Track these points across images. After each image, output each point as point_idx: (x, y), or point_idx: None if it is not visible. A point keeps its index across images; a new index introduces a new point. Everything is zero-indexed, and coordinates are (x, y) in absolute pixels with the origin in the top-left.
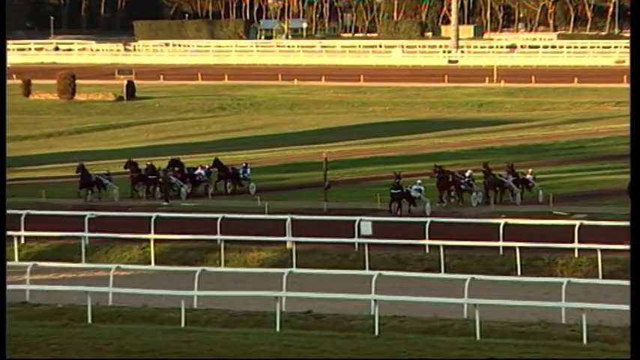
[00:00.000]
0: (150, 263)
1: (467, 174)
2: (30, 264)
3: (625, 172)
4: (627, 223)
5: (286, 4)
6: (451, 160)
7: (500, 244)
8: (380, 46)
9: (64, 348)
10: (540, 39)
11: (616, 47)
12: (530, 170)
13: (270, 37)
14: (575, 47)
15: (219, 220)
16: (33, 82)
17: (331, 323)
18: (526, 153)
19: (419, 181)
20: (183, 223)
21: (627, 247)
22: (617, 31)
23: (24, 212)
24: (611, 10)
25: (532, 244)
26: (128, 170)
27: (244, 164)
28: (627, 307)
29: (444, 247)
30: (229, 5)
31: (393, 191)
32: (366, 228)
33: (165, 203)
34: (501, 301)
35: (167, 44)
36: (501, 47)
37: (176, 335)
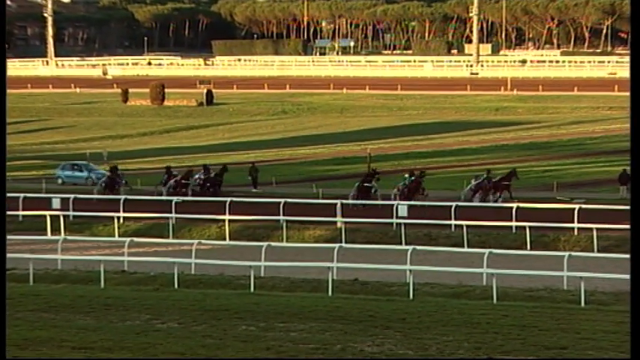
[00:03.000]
0: (225, 239)
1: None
2: (127, 239)
3: (616, 164)
4: (618, 207)
5: (337, 27)
6: (473, 154)
7: (513, 224)
8: (414, 61)
9: (155, 307)
10: (546, 55)
11: (609, 62)
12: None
13: (324, 54)
14: (576, 62)
15: (282, 204)
16: (130, 90)
17: (374, 289)
18: (534, 149)
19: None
20: (253, 206)
21: (619, 226)
22: (609, 48)
23: (122, 197)
24: (604, 31)
25: (539, 224)
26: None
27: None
28: (618, 276)
29: (467, 226)
30: (290, 27)
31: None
32: (403, 210)
33: (254, 190)
34: (514, 271)
35: (239, 59)
36: (514, 62)
37: (247, 298)
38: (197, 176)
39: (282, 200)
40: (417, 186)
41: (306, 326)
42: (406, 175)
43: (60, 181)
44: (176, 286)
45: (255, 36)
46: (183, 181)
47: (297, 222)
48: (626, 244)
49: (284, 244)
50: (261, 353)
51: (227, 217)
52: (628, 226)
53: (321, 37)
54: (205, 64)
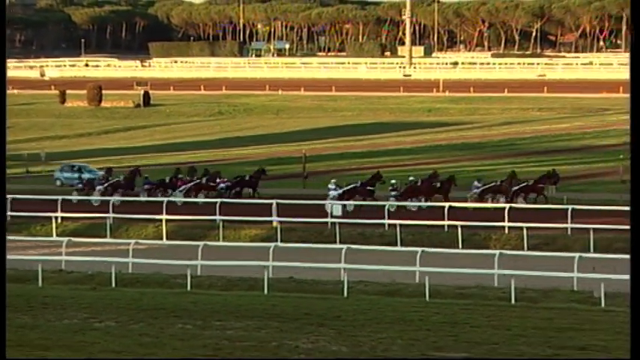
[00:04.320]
0: (162, 239)
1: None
2: (65, 239)
3: (546, 164)
4: (548, 206)
5: (272, 29)
6: (407, 154)
7: (445, 222)
8: (348, 63)
9: (92, 306)
10: (477, 57)
11: (538, 64)
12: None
13: (259, 56)
14: (506, 64)
15: (218, 204)
16: (67, 92)
17: (309, 287)
18: (467, 149)
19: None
20: (189, 207)
21: (548, 225)
22: (539, 50)
23: (60, 197)
24: (534, 34)
25: (471, 223)
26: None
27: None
28: (548, 273)
29: (401, 225)
30: (226, 30)
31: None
32: (337, 210)
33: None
34: (446, 269)
35: (176, 61)
36: (446, 64)
37: (184, 297)
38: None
39: (218, 200)
40: (428, 186)
41: (243, 324)
42: (411, 178)
43: (59, 182)
44: (113, 285)
45: (192, 38)
46: (210, 184)
47: (233, 222)
48: (555, 242)
49: (220, 243)
50: (197, 351)
51: (164, 217)
52: (556, 225)
53: (256, 40)
54: (142, 66)
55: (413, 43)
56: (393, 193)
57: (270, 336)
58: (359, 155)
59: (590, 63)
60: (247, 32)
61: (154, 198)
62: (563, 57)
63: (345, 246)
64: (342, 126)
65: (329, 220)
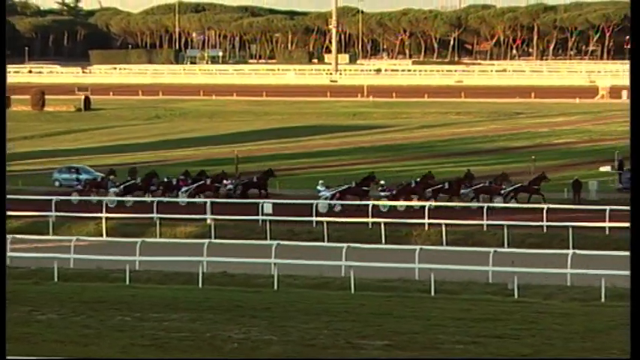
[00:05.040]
0: (102, 236)
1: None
2: (9, 237)
3: (463, 165)
4: (464, 204)
5: (206, 38)
6: (334, 156)
7: (369, 220)
8: (278, 70)
9: (35, 300)
10: (399, 64)
11: (456, 71)
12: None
13: (194, 63)
14: (426, 71)
15: (155, 203)
16: (11, 97)
17: (241, 281)
18: (389, 151)
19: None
20: (128, 207)
21: (465, 221)
22: (456, 58)
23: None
24: (452, 42)
25: (393, 220)
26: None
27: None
28: (465, 267)
29: (327, 222)
30: (163, 38)
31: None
32: (268, 208)
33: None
34: (370, 263)
35: (115, 68)
36: (370, 70)
37: (123, 290)
38: (229, 181)
39: (156, 199)
40: (423, 187)
41: (179, 316)
42: (417, 179)
43: (57, 183)
44: (56, 279)
45: (130, 46)
46: (215, 185)
47: (170, 219)
48: (472, 238)
49: (157, 239)
50: (136, 341)
51: (104, 214)
52: (473, 222)
53: (191, 48)
54: (83, 72)
55: (339, 51)
56: (383, 193)
57: (204, 327)
58: (289, 156)
59: (504, 70)
60: (183, 41)
61: (158, 198)
62: (479, 64)
63: (275, 242)
64: (273, 129)
65: (260, 217)
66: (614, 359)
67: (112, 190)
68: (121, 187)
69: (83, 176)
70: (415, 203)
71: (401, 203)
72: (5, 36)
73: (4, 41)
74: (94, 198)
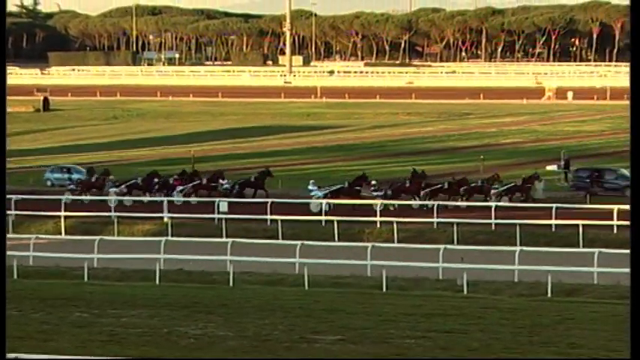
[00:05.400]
0: (61, 234)
1: None
2: None
3: (413, 164)
4: (414, 202)
5: (163, 40)
6: (288, 155)
7: (323, 218)
8: (233, 71)
9: None
10: (352, 66)
11: (407, 72)
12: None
13: (151, 65)
14: (377, 72)
15: (112, 202)
16: None
17: (198, 278)
18: (342, 150)
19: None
20: (87, 204)
21: (416, 219)
22: (407, 60)
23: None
24: (402, 45)
25: (346, 218)
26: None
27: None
28: (416, 264)
29: (282, 220)
30: (120, 40)
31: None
32: (224, 206)
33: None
34: (324, 260)
35: (74, 69)
36: (323, 72)
37: (81, 287)
38: (225, 181)
39: (113, 198)
40: (417, 186)
41: (136, 312)
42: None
43: (49, 183)
44: (15, 277)
45: (88, 48)
46: (211, 184)
47: (128, 218)
48: (423, 235)
49: (115, 237)
50: (94, 337)
51: (62, 213)
52: (424, 219)
53: (148, 50)
54: (42, 74)
55: (292, 53)
56: (376, 193)
57: (161, 323)
58: (243, 156)
59: (454, 72)
60: (140, 43)
61: (156, 198)
62: (430, 66)
63: (230, 240)
64: (228, 129)
65: (215, 216)
66: (615, 359)
67: (113, 190)
68: (123, 186)
69: (75, 176)
70: (422, 202)
71: (398, 202)
72: (5, 36)
73: (3, 41)
74: (105, 197)
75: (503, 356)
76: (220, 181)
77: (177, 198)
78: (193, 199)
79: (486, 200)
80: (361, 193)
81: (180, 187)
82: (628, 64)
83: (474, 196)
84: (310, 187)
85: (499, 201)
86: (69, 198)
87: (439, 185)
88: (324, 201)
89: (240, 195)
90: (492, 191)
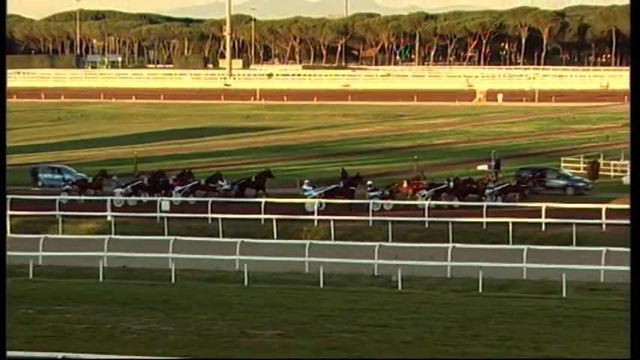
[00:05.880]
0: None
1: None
2: None
3: (350, 164)
4: (350, 201)
5: (106, 44)
6: (229, 156)
7: (262, 216)
8: (175, 74)
9: None
10: (290, 69)
11: (343, 75)
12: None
13: (95, 68)
14: (315, 75)
15: (57, 201)
16: None
17: (140, 274)
18: (281, 151)
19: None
20: (33, 203)
21: (354, 217)
22: (344, 63)
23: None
24: (339, 49)
25: (285, 216)
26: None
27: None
28: (352, 260)
29: (222, 219)
30: (64, 44)
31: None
32: (165, 205)
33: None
34: (263, 257)
35: (19, 72)
36: (262, 75)
37: (26, 285)
38: (224, 181)
39: (58, 197)
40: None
41: (80, 308)
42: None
43: (40, 183)
44: None
45: (33, 51)
46: (209, 185)
47: (72, 216)
48: (359, 233)
49: (60, 236)
50: (39, 333)
51: (8, 212)
52: (360, 218)
53: (92, 53)
54: None
55: (232, 56)
56: (373, 193)
57: (105, 319)
58: (186, 157)
59: (388, 75)
60: (84, 46)
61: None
62: (365, 69)
63: (172, 237)
64: (170, 130)
65: (158, 214)
66: (614, 359)
67: (118, 190)
68: (129, 187)
69: (65, 176)
70: (423, 202)
71: (389, 202)
72: (5, 36)
73: (4, 41)
74: (103, 197)
75: (437, 349)
76: (219, 182)
77: (176, 198)
78: (191, 198)
79: (481, 200)
80: (362, 192)
81: (179, 187)
82: (555, 67)
83: (468, 196)
84: (305, 187)
85: (495, 200)
86: (64, 198)
87: (444, 185)
88: (315, 200)
89: (239, 195)
90: (487, 191)
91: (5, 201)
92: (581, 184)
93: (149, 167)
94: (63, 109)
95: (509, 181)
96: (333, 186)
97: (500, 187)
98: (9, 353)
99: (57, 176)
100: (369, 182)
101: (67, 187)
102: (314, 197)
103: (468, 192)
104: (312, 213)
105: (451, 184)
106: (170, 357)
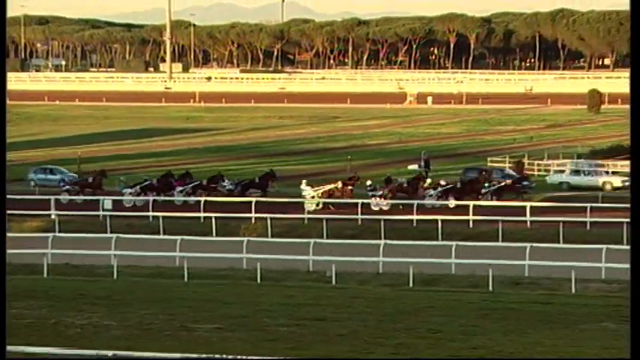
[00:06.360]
0: None
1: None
2: None
3: (286, 163)
4: (283, 199)
5: (50, 48)
6: (168, 156)
7: (202, 214)
8: (117, 78)
9: None
10: (228, 73)
11: (279, 78)
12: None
13: (39, 71)
14: (252, 79)
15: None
16: None
17: (84, 271)
18: (219, 151)
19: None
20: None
21: (289, 215)
22: (280, 67)
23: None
24: (275, 53)
25: (223, 214)
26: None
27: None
28: (288, 257)
29: (163, 217)
30: (9, 48)
31: None
32: (108, 204)
33: None
34: (202, 254)
35: None
36: (201, 78)
37: None
38: (227, 182)
39: (59, 197)
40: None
41: (25, 304)
42: (402, 179)
43: (32, 183)
44: None
45: None
46: (211, 185)
47: (17, 215)
48: (295, 231)
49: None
50: None
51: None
52: (296, 215)
53: (36, 57)
54: None
55: (172, 60)
56: (372, 193)
57: (49, 314)
58: (128, 157)
59: (323, 78)
60: (28, 50)
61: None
62: (301, 73)
63: (114, 235)
64: (112, 132)
65: (100, 212)
66: (614, 359)
67: (127, 190)
68: (137, 187)
69: (58, 176)
70: (433, 202)
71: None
72: (5, 36)
73: (4, 41)
74: (101, 197)
75: (370, 341)
76: (222, 182)
77: (178, 198)
78: (192, 198)
79: (478, 199)
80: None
81: (181, 188)
82: (482, 71)
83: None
84: (303, 187)
85: (491, 200)
86: (66, 198)
87: (450, 185)
88: (314, 200)
89: (242, 195)
90: (482, 190)
91: (5, 201)
92: (525, 182)
93: (92, 167)
94: (8, 112)
95: (504, 182)
96: (332, 186)
97: (496, 187)
98: (8, 348)
99: (50, 177)
100: (368, 182)
101: (67, 187)
102: (312, 197)
103: (470, 192)
104: (250, 211)
105: (458, 184)
106: (168, 354)
